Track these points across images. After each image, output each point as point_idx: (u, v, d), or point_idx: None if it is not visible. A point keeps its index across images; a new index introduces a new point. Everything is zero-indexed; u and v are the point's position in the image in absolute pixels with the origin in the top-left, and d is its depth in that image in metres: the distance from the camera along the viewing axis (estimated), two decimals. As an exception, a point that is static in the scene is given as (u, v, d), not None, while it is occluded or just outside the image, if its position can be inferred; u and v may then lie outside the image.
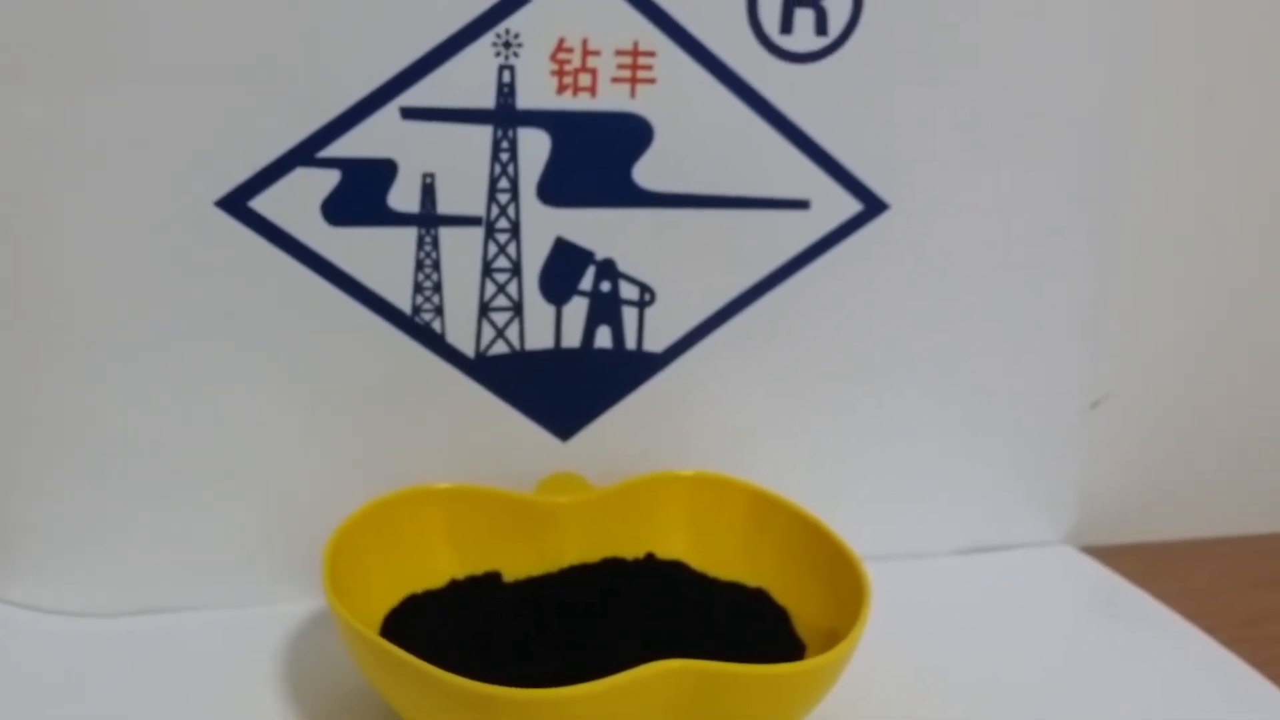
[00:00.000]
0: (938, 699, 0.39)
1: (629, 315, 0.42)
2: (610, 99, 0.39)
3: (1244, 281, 0.50)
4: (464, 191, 0.39)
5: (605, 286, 0.41)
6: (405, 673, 0.31)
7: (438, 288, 0.40)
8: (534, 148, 0.39)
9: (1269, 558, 0.52)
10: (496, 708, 0.30)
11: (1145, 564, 0.48)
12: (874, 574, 0.36)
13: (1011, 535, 0.48)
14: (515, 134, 0.39)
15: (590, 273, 0.41)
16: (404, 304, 0.40)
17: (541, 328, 0.41)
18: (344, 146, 0.38)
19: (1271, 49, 0.47)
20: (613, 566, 0.41)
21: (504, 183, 0.39)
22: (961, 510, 0.48)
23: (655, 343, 0.42)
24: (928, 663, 0.40)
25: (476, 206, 0.39)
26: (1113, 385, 0.49)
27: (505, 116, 0.39)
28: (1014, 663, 0.41)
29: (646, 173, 0.40)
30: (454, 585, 0.39)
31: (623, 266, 0.41)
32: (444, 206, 0.39)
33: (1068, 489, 0.49)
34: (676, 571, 0.41)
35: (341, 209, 0.38)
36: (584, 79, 0.39)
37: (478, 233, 0.40)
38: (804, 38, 0.40)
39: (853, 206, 0.42)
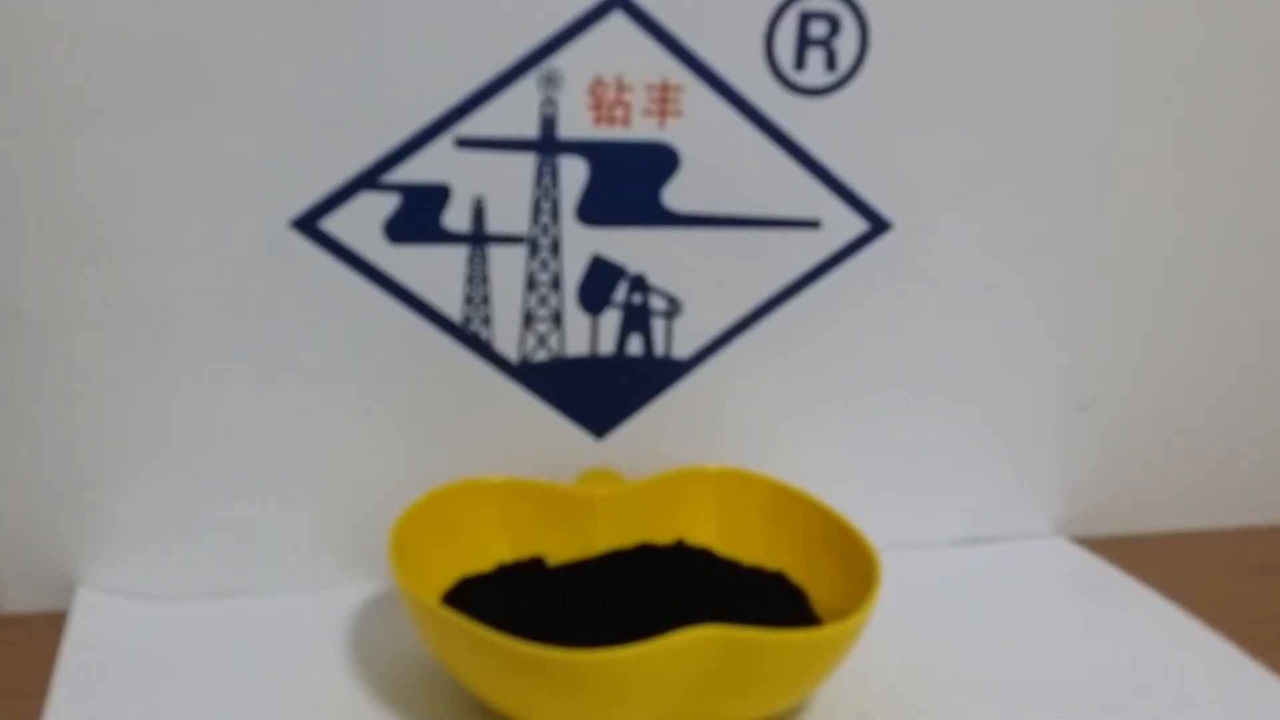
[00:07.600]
0: (940, 672, 0.40)
1: (658, 325, 0.44)
2: (642, 129, 0.41)
3: (1216, 292, 0.52)
4: (511, 213, 0.41)
5: (637, 299, 0.43)
6: (466, 639, 0.34)
7: (486, 300, 0.42)
8: (573, 173, 0.41)
9: (1244, 547, 0.53)
10: (546, 668, 0.33)
11: (1129, 553, 0.49)
12: (881, 561, 0.38)
13: (1006, 527, 0.50)
14: (557, 161, 0.41)
15: (623, 286, 0.43)
16: (456, 315, 0.42)
17: (579, 336, 0.43)
18: (404, 173, 0.40)
19: (1246, 77, 0.49)
20: (645, 552, 0.42)
21: (546, 205, 0.41)
22: (960, 504, 0.49)
23: (682, 350, 0.44)
24: (931, 640, 0.42)
25: (522, 226, 0.42)
26: (1097, 389, 0.50)
27: (548, 145, 0.41)
28: (1009, 640, 0.43)
29: (674, 196, 0.42)
30: (502, 568, 0.41)
31: (653, 280, 0.43)
32: (493, 226, 0.41)
33: (1057, 485, 0.51)
34: (703, 556, 0.43)
35: (401, 229, 0.40)
36: (618, 112, 0.41)
37: (522, 250, 0.42)
38: (816, 74, 0.42)
39: (860, 226, 0.44)
